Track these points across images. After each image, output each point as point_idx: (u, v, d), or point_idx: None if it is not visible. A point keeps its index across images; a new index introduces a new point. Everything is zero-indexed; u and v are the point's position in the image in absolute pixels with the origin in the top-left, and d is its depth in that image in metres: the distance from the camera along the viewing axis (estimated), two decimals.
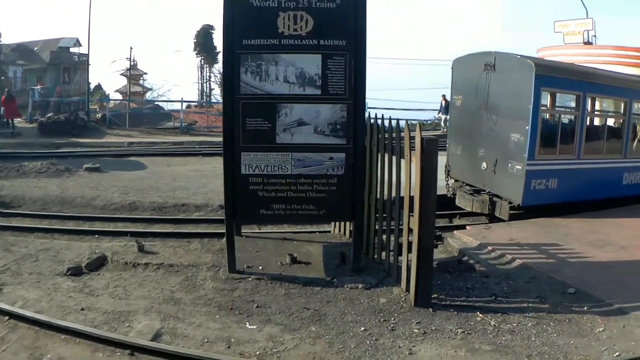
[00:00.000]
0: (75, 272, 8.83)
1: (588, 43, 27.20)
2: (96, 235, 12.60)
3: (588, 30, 27.22)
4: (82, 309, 7.45)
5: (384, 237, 9.14)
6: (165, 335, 6.78)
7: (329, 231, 11.45)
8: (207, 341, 6.61)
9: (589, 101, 16.25)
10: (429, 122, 37.12)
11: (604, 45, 27.13)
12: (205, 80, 76.05)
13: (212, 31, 71.43)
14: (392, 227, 8.74)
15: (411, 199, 7.92)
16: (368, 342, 6.71)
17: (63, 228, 13.13)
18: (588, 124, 16.64)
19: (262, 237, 11.15)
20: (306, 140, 8.52)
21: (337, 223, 11.11)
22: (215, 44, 70.94)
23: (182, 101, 39.03)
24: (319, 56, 8.33)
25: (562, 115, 16.24)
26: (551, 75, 14.33)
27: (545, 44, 28.75)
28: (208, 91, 75.63)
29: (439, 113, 34.91)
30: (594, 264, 10.63)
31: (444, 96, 33.50)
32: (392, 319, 7.40)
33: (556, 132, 14.90)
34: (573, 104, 15.80)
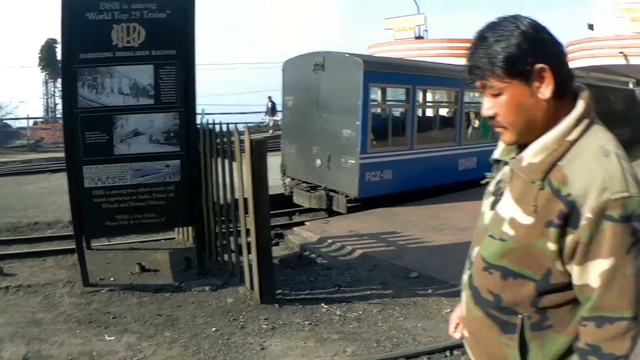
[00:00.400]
0: None
1: (419, 38, 28.29)
2: None
3: (419, 25, 28.27)
4: None
5: (225, 239, 9.26)
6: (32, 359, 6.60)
7: (174, 237, 11.43)
8: (71, 358, 6.48)
9: (420, 93, 17.05)
10: (264, 124, 37.30)
11: (436, 39, 28.49)
12: (50, 95, 72.52)
13: (56, 45, 67.75)
14: (231, 229, 8.88)
15: (246, 200, 8.08)
16: (221, 342, 6.80)
17: None
18: (420, 115, 17.57)
19: (112, 249, 10.94)
20: (142, 150, 8.46)
21: (180, 229, 11.12)
22: (59, 58, 67.50)
23: (27, 118, 37.35)
24: (151, 66, 8.29)
25: (394, 109, 16.97)
26: (379, 71, 14.91)
27: (378, 41, 29.67)
28: (53, 106, 72.23)
29: (265, 115, 34.85)
30: (436, 247, 11.12)
31: (269, 98, 33.61)
32: (241, 317, 7.51)
33: (388, 125, 15.54)
34: (404, 97, 16.47)
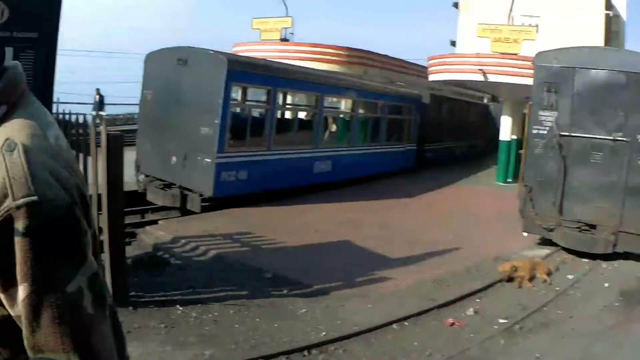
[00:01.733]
0: None
1: (285, 40, 28.38)
2: None
3: (286, 28, 28.36)
4: None
5: None
6: None
7: None
8: None
9: (281, 95, 17.40)
10: (120, 116, 35.89)
11: (301, 43, 28.64)
12: None
13: None
14: None
15: (99, 197, 7.81)
16: None
17: None
18: (280, 117, 17.85)
19: None
20: None
21: None
22: None
23: None
24: (11, 49, 7.73)
25: (254, 109, 17.05)
26: (242, 71, 15.00)
27: (244, 40, 29.54)
28: None
29: (92, 109, 32.75)
30: (290, 249, 11.30)
31: (97, 90, 32.22)
32: None
33: (247, 125, 15.55)
34: (265, 98, 16.59)
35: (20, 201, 1.39)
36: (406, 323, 8.12)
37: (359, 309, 8.48)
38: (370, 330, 7.71)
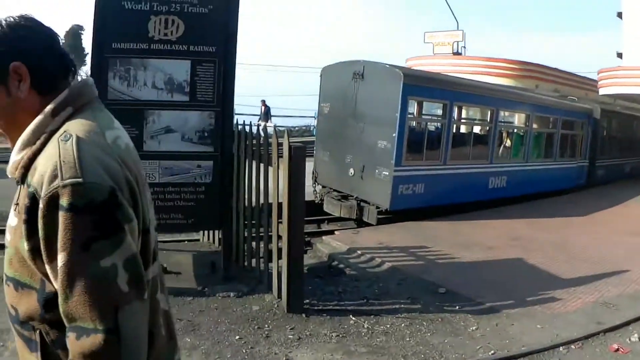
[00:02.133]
0: None
1: (457, 54, 28.29)
2: None
3: (458, 42, 28.25)
4: None
5: (254, 244, 9.04)
6: None
7: (198, 240, 11.26)
8: None
9: (456, 109, 16.86)
10: (296, 128, 37.06)
11: (473, 57, 28.48)
12: None
13: (82, 32, 68.26)
14: (261, 234, 8.68)
15: (280, 205, 7.90)
16: (244, 351, 6.62)
17: None
18: (455, 131, 17.36)
19: None
20: (174, 148, 8.28)
21: (207, 231, 10.95)
22: (84, 45, 68.03)
23: None
24: (188, 62, 8.11)
25: (430, 123, 16.86)
26: (418, 85, 14.81)
27: (415, 54, 29.68)
28: None
29: (259, 119, 34.00)
30: (463, 264, 11.02)
31: (263, 102, 33.05)
32: (266, 326, 7.35)
33: (423, 139, 15.42)
34: (441, 112, 16.38)
35: (67, 181, 1.66)
36: (573, 347, 7.68)
37: (528, 329, 8.11)
38: (538, 351, 7.39)
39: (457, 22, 30.17)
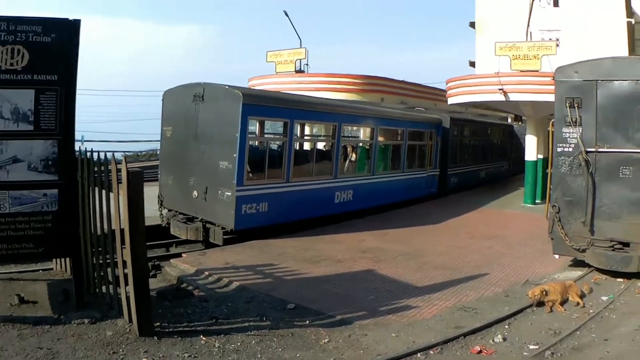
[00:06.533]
0: None
1: (300, 71, 28.51)
2: None
3: (300, 59, 28.53)
4: None
5: (102, 270, 9.02)
6: None
7: (52, 268, 11.03)
8: None
9: (298, 127, 17.41)
10: (143, 153, 36.50)
11: (316, 73, 28.82)
12: None
13: None
14: (108, 260, 8.71)
15: (123, 230, 7.97)
16: None
17: None
18: (297, 148, 17.79)
19: None
20: (21, 178, 8.16)
21: (59, 259, 10.78)
22: None
23: None
24: (32, 91, 8.06)
25: (272, 142, 17.13)
26: (259, 104, 15.15)
27: (258, 73, 29.81)
28: None
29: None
30: (312, 279, 11.36)
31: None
32: (121, 350, 7.38)
33: (265, 158, 15.67)
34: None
35: None
36: (431, 352, 8.02)
37: (382, 338, 8.41)
38: (394, 359, 7.66)
39: (300, 40, 30.71)
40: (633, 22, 27.68)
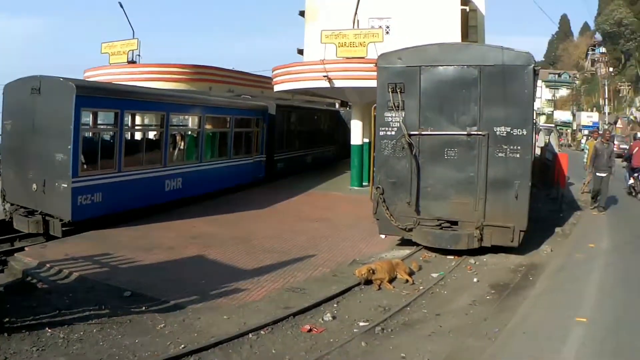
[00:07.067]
0: None
1: (132, 62, 28.45)
2: None
3: (133, 50, 28.49)
4: None
5: None
6: None
7: None
8: None
9: (129, 117, 17.82)
10: None
11: (148, 64, 29.06)
12: None
13: None
14: None
15: None
16: None
17: None
18: (129, 138, 18.23)
19: None
20: None
21: None
22: None
23: None
24: None
25: (105, 132, 17.37)
26: (92, 95, 15.46)
27: (95, 65, 29.69)
28: None
29: None
30: (146, 266, 11.90)
31: None
32: None
33: (97, 149, 15.98)
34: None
35: None
36: (262, 332, 8.48)
37: (215, 321, 8.86)
38: (227, 340, 8.12)
39: (133, 31, 30.80)
40: (467, 10, 28.48)
